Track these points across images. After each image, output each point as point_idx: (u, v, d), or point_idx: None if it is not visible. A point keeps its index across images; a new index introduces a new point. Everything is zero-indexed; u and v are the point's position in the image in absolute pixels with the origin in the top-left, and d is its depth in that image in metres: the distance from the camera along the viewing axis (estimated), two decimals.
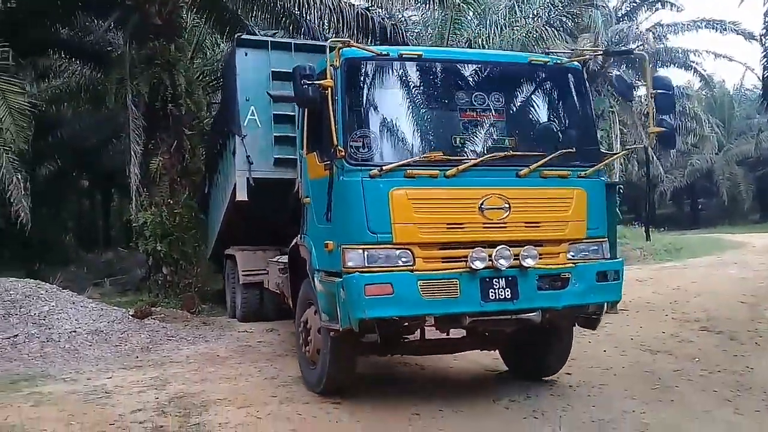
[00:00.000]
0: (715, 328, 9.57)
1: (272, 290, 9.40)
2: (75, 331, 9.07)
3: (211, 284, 14.05)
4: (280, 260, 8.39)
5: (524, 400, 6.14)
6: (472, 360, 7.38)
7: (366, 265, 5.29)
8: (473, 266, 5.40)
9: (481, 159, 5.66)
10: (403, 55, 5.84)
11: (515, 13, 17.06)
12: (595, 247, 5.95)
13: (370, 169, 5.37)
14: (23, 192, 10.80)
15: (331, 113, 5.25)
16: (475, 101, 5.88)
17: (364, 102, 5.76)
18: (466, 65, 6.18)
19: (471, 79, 6.11)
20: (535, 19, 17.11)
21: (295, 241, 6.78)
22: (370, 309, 5.21)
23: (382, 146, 5.72)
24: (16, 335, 8.71)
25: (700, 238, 26.34)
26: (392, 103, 5.86)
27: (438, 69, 6.07)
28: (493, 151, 5.77)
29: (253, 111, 8.50)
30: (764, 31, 9.42)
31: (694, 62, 26.09)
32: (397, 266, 5.34)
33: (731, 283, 14.31)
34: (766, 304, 11.50)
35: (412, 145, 5.84)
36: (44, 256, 17.25)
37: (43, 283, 10.87)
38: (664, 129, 5.93)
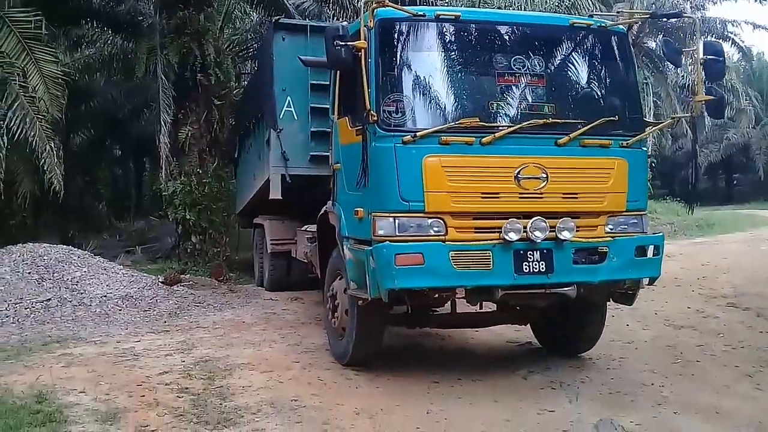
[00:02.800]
0: (742, 305, 9.46)
1: (300, 260, 9.45)
2: (106, 296, 9.33)
3: (239, 253, 14.30)
4: (308, 229, 8.37)
5: (543, 371, 6.15)
6: (494, 332, 7.39)
7: (397, 233, 5.18)
8: (507, 237, 5.26)
9: (518, 126, 5.42)
10: (440, 16, 5.61)
11: None
12: (635, 221, 5.76)
13: (404, 135, 5.21)
14: (56, 160, 10.99)
15: (365, 76, 5.12)
16: (513, 65, 5.64)
17: (398, 65, 5.54)
18: (505, 27, 5.92)
19: (510, 43, 5.86)
20: None
21: (324, 208, 6.71)
22: (400, 279, 5.12)
23: (416, 111, 5.54)
24: (49, 299, 8.96)
25: (734, 214, 25.88)
26: (427, 67, 5.64)
27: (476, 31, 5.80)
28: (531, 118, 5.53)
29: (289, 102, 8.26)
30: None
31: (732, 33, 25.38)
32: (428, 236, 5.21)
33: (762, 260, 14.11)
34: None
35: (447, 110, 5.60)
36: (78, 223, 17.60)
37: (76, 249, 11.14)
38: (712, 97, 5.72)
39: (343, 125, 6.11)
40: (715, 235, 19.73)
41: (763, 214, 26.28)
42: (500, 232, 5.29)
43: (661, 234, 6.06)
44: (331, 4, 14.86)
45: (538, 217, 5.34)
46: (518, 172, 5.34)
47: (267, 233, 10.63)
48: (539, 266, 5.35)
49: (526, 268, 5.33)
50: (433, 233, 5.25)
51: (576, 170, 5.55)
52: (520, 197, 5.38)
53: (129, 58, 15.29)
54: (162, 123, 12.57)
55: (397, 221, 5.23)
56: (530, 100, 5.79)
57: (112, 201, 24.20)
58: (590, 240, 5.57)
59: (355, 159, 5.50)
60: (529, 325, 7.04)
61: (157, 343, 7.31)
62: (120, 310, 9.02)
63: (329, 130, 7.38)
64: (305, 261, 8.86)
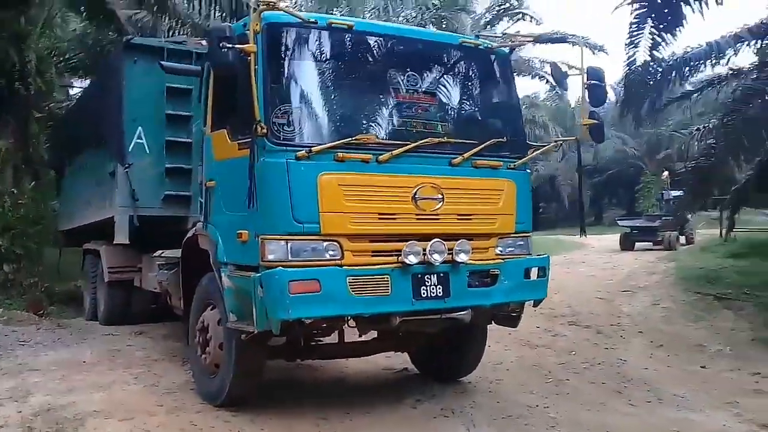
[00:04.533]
0: (582, 323, 10.11)
1: (147, 289, 8.52)
2: None
3: (58, 284, 12.78)
4: (163, 255, 7.59)
5: (430, 399, 5.98)
6: (367, 360, 7.07)
7: (289, 258, 4.76)
8: (407, 261, 5.02)
9: (415, 144, 5.20)
10: (333, 25, 5.30)
11: (388, 12, 17.07)
12: (522, 243, 5.78)
13: (297, 150, 4.82)
14: None
15: (254, 84, 4.67)
16: (407, 81, 5.47)
17: (288, 74, 5.14)
18: (397, 41, 5.69)
19: (402, 57, 5.67)
20: (408, 20, 17.22)
21: (193, 230, 6.08)
22: (295, 308, 4.69)
23: (309, 125, 5.14)
24: None
25: (544, 239, 27.91)
26: (319, 78, 5.35)
27: (370, 43, 5.56)
28: (426, 137, 5.33)
29: (140, 134, 7.54)
30: (629, 41, 10.14)
31: (546, 72, 27.62)
32: (324, 260, 4.85)
33: (584, 281, 15.23)
34: (620, 300, 12.35)
35: (342, 125, 5.25)
36: None
37: None
38: (595, 121, 5.89)
39: (219, 139, 5.53)
40: None
41: (568, 239, 28.69)
42: (398, 255, 5.05)
43: (546, 255, 6.10)
44: (167, 17, 13.93)
45: (437, 240, 5.16)
46: (415, 193, 5.15)
47: (104, 260, 9.46)
48: (437, 290, 5.16)
49: (424, 293, 5.11)
50: (329, 257, 4.88)
51: (469, 191, 5.47)
52: (417, 218, 5.17)
53: None
54: None
55: (289, 244, 4.79)
56: (424, 118, 5.59)
57: None
58: (483, 262, 5.49)
59: (235, 175, 5.03)
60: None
61: None
62: None
63: (188, 167, 6.96)
64: (156, 291, 7.97)
